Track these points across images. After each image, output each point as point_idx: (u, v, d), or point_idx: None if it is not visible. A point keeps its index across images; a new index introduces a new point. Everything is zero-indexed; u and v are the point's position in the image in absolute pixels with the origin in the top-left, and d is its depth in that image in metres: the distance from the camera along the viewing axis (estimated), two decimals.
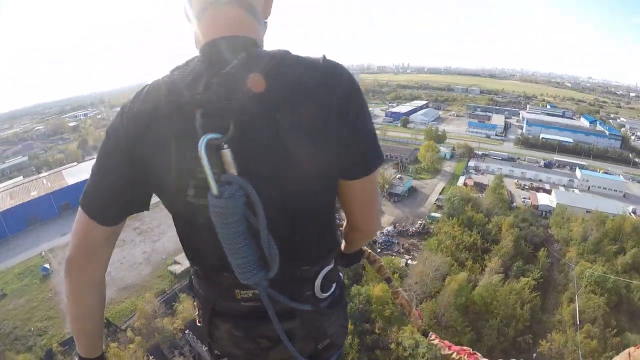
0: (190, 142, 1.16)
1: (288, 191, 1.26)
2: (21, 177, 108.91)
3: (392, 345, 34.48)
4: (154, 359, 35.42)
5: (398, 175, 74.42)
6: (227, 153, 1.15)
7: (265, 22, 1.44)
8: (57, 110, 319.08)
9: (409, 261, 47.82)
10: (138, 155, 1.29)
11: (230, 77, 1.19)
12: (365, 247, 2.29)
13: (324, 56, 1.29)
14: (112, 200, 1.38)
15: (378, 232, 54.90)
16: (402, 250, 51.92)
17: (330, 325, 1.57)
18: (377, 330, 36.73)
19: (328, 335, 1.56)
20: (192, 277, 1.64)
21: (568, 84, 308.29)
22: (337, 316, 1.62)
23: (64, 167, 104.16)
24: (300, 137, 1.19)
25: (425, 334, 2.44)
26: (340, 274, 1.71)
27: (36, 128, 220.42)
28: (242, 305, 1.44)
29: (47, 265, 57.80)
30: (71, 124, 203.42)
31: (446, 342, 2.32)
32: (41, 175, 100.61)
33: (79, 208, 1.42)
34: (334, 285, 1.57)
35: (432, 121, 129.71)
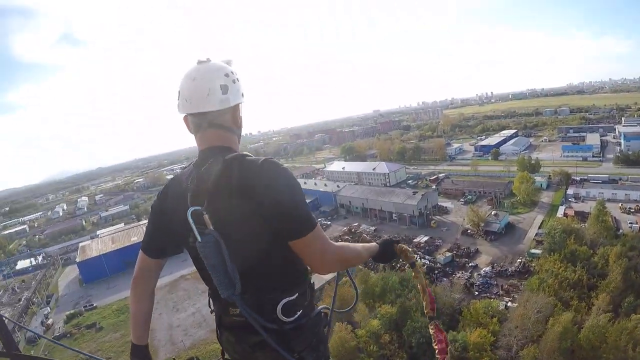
0: (186, 211, 2.00)
1: (243, 242, 2.01)
2: (122, 224, 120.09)
3: None
4: None
5: (493, 212, 73.42)
6: (206, 217, 1.97)
7: (239, 129, 2.40)
8: (156, 164, 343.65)
9: (509, 303, 46.43)
10: (162, 216, 2.34)
11: (202, 175, 2.11)
12: (402, 246, 2.80)
13: (265, 159, 2.08)
14: (152, 240, 2.45)
15: (475, 274, 54.56)
16: (501, 292, 50.45)
17: (297, 343, 2.21)
18: None
19: (296, 351, 2.21)
20: (209, 298, 2.45)
21: None
22: (304, 338, 2.25)
23: None
24: (240, 213, 1.98)
25: (430, 319, 2.80)
26: (315, 307, 2.42)
27: (136, 180, 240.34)
28: (234, 319, 2.21)
29: None
30: (168, 177, 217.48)
31: (440, 336, 2.74)
32: (140, 222, 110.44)
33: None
34: (299, 313, 2.20)
35: (524, 150, 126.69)
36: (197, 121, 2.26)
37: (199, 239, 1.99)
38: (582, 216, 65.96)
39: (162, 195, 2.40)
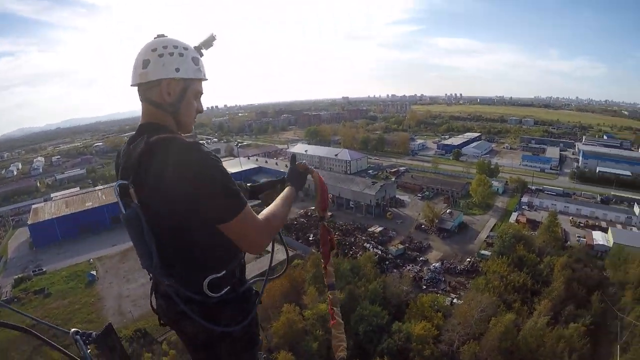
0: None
1: (165, 218, 2.06)
2: (78, 188, 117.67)
3: None
4: None
5: (448, 210, 74.54)
6: (132, 191, 2.05)
7: (172, 106, 2.29)
8: (117, 129, 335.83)
9: (455, 300, 47.24)
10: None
11: (131, 151, 2.17)
12: (301, 163, 3.04)
13: (189, 144, 2.06)
14: None
15: (425, 268, 55.32)
16: (448, 288, 51.23)
17: (222, 316, 2.31)
18: None
19: (221, 324, 2.31)
20: None
21: (625, 112, 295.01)
22: (229, 311, 2.35)
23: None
24: (162, 194, 1.99)
25: (320, 219, 3.03)
26: (245, 282, 2.52)
27: (95, 144, 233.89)
28: (166, 288, 2.24)
29: (94, 272, 61.10)
30: None
31: (326, 238, 3.03)
32: (97, 188, 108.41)
33: None
34: (226, 289, 2.29)
35: (485, 154, 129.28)
36: (138, 93, 2.31)
37: (123, 211, 2.11)
38: (533, 224, 67.66)
39: (115, 163, 2.49)
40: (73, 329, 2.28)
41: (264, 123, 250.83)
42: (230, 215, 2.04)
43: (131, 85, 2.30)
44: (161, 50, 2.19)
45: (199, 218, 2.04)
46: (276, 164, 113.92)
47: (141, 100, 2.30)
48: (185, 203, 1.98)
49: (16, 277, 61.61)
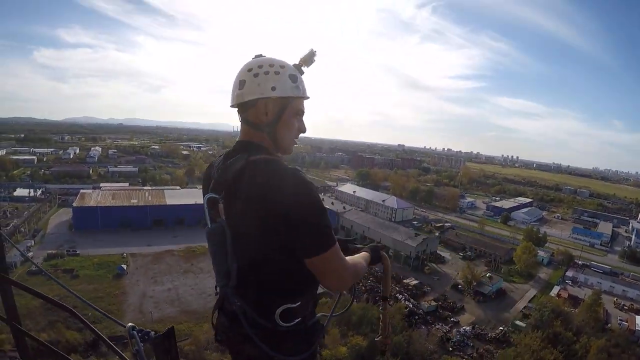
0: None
1: (248, 241, 2.05)
2: (127, 184, 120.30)
3: None
4: None
5: (488, 274, 72.69)
6: (220, 206, 2.10)
7: (269, 126, 2.26)
8: (175, 137, 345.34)
9: None
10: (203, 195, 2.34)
11: (227, 167, 2.15)
12: (387, 257, 2.89)
13: (290, 169, 2.05)
14: None
15: (454, 330, 54.08)
16: (475, 354, 49.65)
17: (286, 347, 2.22)
18: None
19: (284, 354, 2.22)
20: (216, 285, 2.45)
21: None
22: (294, 344, 2.25)
23: (167, 187, 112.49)
24: (254, 215, 1.97)
25: (381, 354, 2.94)
26: (315, 316, 2.43)
27: (152, 146, 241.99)
28: (234, 307, 2.18)
29: (124, 266, 62.15)
30: (184, 152, 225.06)
31: None
32: (145, 188, 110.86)
33: None
34: (297, 321, 2.20)
35: (535, 221, 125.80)
36: (238, 114, 2.35)
37: (208, 224, 2.16)
38: (575, 301, 65.14)
39: (203, 180, 2.48)
40: (130, 324, 2.24)
41: (317, 158, 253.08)
42: (323, 249, 2.00)
43: (231, 107, 2.36)
44: (256, 70, 2.21)
45: (288, 247, 2.00)
46: (322, 200, 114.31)
47: (240, 121, 2.35)
48: (276, 230, 1.95)
49: (49, 252, 64.25)
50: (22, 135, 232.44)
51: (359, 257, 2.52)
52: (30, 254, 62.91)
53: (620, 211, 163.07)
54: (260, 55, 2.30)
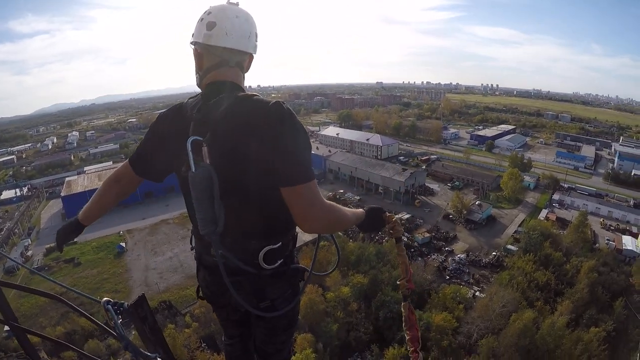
0: (186, 139, 2.00)
1: (237, 181, 2.01)
2: (110, 163, 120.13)
3: None
4: (206, 347, 37.61)
5: (477, 202, 74.15)
6: (205, 149, 1.98)
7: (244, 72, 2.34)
8: (150, 106, 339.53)
9: (477, 293, 47.41)
10: (159, 139, 2.34)
11: (211, 107, 2.08)
12: (392, 216, 2.77)
13: (277, 101, 2.02)
14: (142, 158, 2.45)
15: (449, 259, 55.31)
16: (472, 280, 51.26)
17: (271, 290, 2.31)
18: None
19: (268, 298, 2.30)
20: (191, 235, 2.53)
21: None
22: (279, 286, 2.33)
23: None
24: (242, 151, 1.96)
25: (404, 298, 2.79)
26: (295, 259, 2.47)
27: (129, 120, 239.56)
28: (213, 259, 2.17)
29: (123, 244, 63.31)
30: None
31: (412, 320, 2.76)
32: None
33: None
34: (280, 262, 2.26)
35: (519, 148, 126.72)
36: (226, 57, 2.23)
37: (192, 169, 2.00)
38: (562, 223, 66.71)
39: (163, 117, 2.40)
40: (104, 299, 2.32)
41: (296, 105, 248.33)
42: (306, 177, 1.99)
43: (197, 44, 2.25)
44: (253, 29, 2.27)
45: (271, 179, 1.98)
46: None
47: (225, 65, 2.25)
48: (269, 160, 1.94)
49: (48, 246, 63.66)
50: None
51: (347, 209, 2.38)
52: (29, 253, 64.74)
53: (602, 134, 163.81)
54: (238, 3, 2.26)
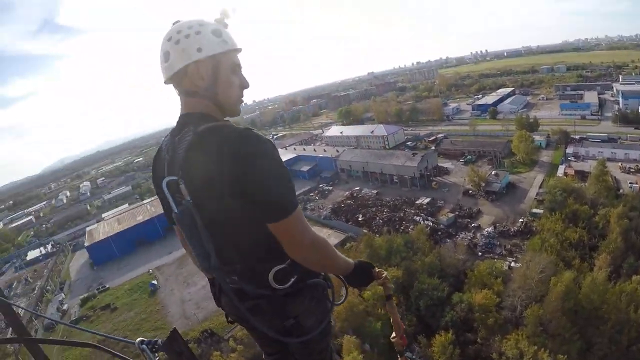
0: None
1: (220, 212, 1.96)
2: (127, 205, 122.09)
3: (495, 356, 33.58)
4: None
5: (493, 172, 73.85)
6: (182, 187, 1.96)
7: (211, 88, 2.15)
8: (154, 142, 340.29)
9: (512, 264, 46.89)
10: (156, 187, 2.20)
11: (176, 144, 2.06)
12: (381, 271, 2.75)
13: (242, 131, 1.96)
14: (164, 210, 2.25)
15: (478, 235, 54.82)
16: (504, 252, 50.83)
17: (292, 308, 2.26)
18: (479, 340, 36.15)
19: (291, 315, 2.27)
20: None
21: None
22: (300, 301, 2.28)
23: None
24: (213, 186, 1.89)
25: (400, 354, 2.86)
26: (313, 273, 2.35)
27: (136, 160, 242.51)
28: (230, 285, 2.16)
29: (154, 282, 63.53)
30: None
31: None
32: (145, 201, 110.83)
33: None
34: (292, 280, 2.17)
35: (522, 109, 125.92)
36: (182, 83, 2.18)
37: (174, 209, 2.01)
38: (582, 175, 66.15)
39: (153, 166, 2.33)
40: (138, 339, 2.25)
41: (295, 112, 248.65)
42: (280, 214, 1.95)
43: (165, 83, 2.22)
44: (176, 37, 2.08)
45: (251, 211, 1.94)
46: (314, 150, 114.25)
47: (179, 95, 2.22)
48: (236, 198, 1.89)
49: (82, 297, 65.13)
50: (11, 202, 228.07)
51: (341, 255, 2.38)
52: (65, 306, 65.30)
53: (601, 77, 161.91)
54: (178, 22, 2.16)
